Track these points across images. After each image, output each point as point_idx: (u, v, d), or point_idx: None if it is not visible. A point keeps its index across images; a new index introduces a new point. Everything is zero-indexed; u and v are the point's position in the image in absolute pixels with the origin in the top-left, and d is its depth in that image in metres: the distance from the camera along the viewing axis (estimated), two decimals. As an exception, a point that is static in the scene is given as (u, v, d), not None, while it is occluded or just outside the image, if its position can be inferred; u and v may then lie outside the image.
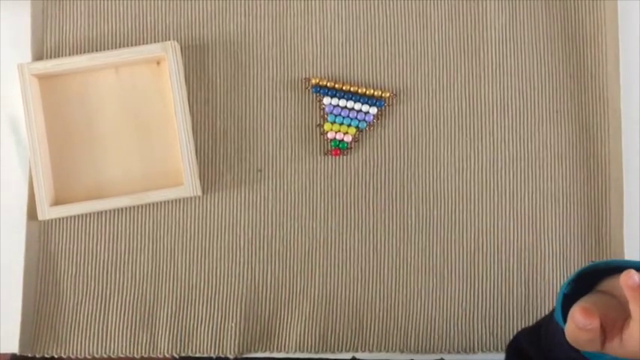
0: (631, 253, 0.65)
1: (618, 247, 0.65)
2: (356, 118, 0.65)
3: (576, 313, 0.38)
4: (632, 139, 0.66)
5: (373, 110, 0.65)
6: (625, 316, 0.39)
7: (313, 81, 0.65)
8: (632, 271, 0.36)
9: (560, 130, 0.66)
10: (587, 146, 0.66)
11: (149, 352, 0.65)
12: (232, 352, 0.64)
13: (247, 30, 0.67)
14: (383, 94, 0.65)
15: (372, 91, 0.65)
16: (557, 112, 0.66)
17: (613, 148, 0.65)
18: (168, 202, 0.65)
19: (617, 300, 0.41)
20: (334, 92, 0.65)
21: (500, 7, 0.67)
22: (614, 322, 0.39)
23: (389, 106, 0.66)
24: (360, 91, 0.65)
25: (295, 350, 0.65)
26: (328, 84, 0.65)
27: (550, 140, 0.66)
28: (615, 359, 0.40)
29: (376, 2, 0.67)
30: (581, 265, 0.65)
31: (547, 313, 0.50)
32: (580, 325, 0.38)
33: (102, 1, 0.67)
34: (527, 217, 0.65)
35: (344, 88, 0.65)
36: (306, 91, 0.66)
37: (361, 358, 0.65)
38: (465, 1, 0.67)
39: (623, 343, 0.39)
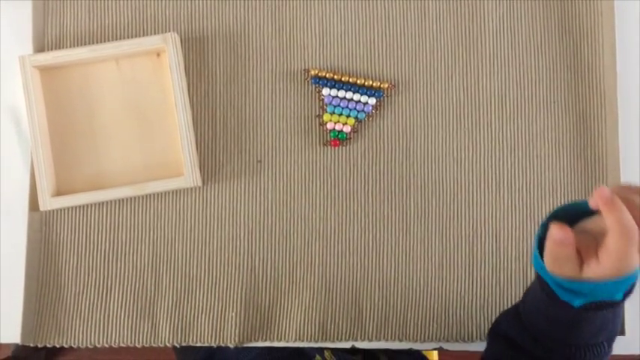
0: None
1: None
2: (355, 108, 0.65)
3: (553, 229, 0.41)
4: (629, 130, 0.67)
5: (372, 101, 0.65)
6: (598, 244, 0.41)
7: (312, 72, 0.66)
8: (604, 187, 0.40)
9: (557, 121, 0.67)
10: (584, 137, 0.66)
11: (150, 342, 0.65)
12: (233, 342, 0.65)
13: (247, 22, 0.67)
14: (382, 85, 0.66)
15: (370, 82, 0.65)
16: (554, 103, 0.67)
17: (610, 138, 0.66)
18: (168, 192, 0.66)
19: (590, 234, 0.43)
20: (333, 83, 0.66)
21: (497, 0, 0.67)
22: (588, 248, 0.42)
23: (388, 96, 0.66)
24: (359, 82, 0.65)
25: (295, 339, 0.65)
26: (327, 75, 0.65)
27: (547, 131, 0.66)
28: (591, 292, 0.42)
29: (375, -6, 0.67)
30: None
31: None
32: (557, 238, 0.41)
33: (102, -6, 0.67)
34: (525, 207, 0.66)
35: (343, 79, 0.65)
36: (305, 82, 0.66)
37: (360, 346, 0.66)
38: (462, -7, 0.67)
39: (600, 261, 0.41)
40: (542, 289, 0.46)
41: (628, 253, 0.39)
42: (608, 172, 0.66)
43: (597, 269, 0.41)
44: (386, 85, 0.66)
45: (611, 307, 0.44)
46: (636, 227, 0.39)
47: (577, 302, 0.44)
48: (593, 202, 0.41)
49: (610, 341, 0.49)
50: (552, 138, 0.66)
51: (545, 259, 0.44)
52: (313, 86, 0.66)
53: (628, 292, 0.45)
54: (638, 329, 0.65)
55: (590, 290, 0.42)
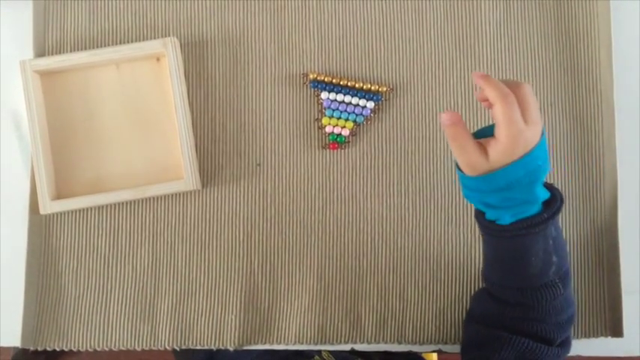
0: (626, 244, 0.66)
1: (613, 238, 0.66)
2: (353, 112, 0.66)
3: (441, 116, 0.47)
4: (626, 131, 0.67)
5: (370, 104, 0.66)
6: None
7: (311, 76, 0.66)
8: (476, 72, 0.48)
9: (554, 122, 0.67)
10: (582, 138, 0.67)
11: (150, 345, 0.65)
12: (232, 344, 0.65)
13: (246, 26, 0.68)
14: (380, 89, 0.66)
15: (369, 85, 0.66)
16: (551, 105, 0.67)
17: (607, 139, 0.66)
18: (168, 196, 0.66)
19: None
20: (332, 87, 0.66)
21: (494, 3, 0.68)
22: (488, 141, 0.47)
23: (386, 100, 0.67)
24: (357, 85, 0.66)
25: (294, 342, 0.65)
26: (326, 79, 0.66)
27: (545, 133, 0.67)
28: (507, 184, 0.47)
29: (373, -2, 0.68)
30: (579, 261, 0.66)
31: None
32: (446, 119, 0.46)
33: (102, -1, 0.68)
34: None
35: (341, 83, 0.66)
36: (304, 86, 0.67)
37: (359, 349, 0.66)
38: (460, -3, 0.68)
39: (497, 136, 0.46)
40: (479, 224, 0.53)
41: (512, 116, 0.45)
42: (606, 173, 0.66)
43: (497, 145, 0.46)
44: (384, 89, 0.66)
45: (540, 224, 0.49)
46: (510, 92, 0.45)
47: (506, 218, 0.49)
48: (476, 93, 0.47)
49: (563, 281, 0.53)
50: (550, 139, 0.67)
51: (457, 160, 0.49)
52: (312, 90, 0.67)
53: (552, 209, 0.50)
54: (637, 331, 0.65)
55: (505, 178, 0.46)
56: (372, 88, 0.66)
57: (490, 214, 0.52)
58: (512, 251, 0.52)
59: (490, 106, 0.47)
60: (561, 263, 0.53)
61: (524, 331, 0.54)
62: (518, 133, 0.45)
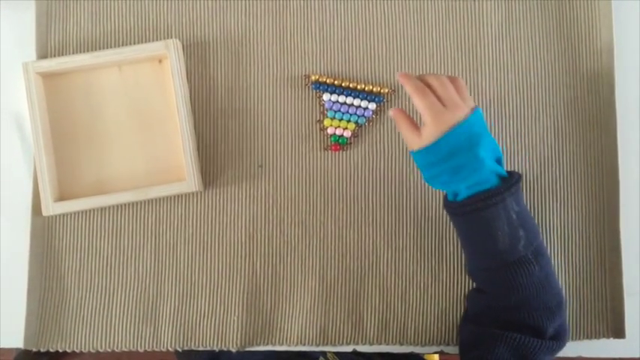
0: (628, 243, 0.66)
1: (615, 237, 0.66)
2: (355, 113, 0.66)
3: (390, 112, 0.58)
4: (628, 132, 0.67)
5: (372, 106, 0.66)
6: None
7: (313, 78, 0.66)
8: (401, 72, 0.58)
9: (556, 124, 0.67)
10: (583, 139, 0.67)
11: (152, 346, 0.66)
12: (235, 346, 0.65)
13: (248, 28, 0.68)
14: (382, 90, 0.66)
15: (370, 87, 0.66)
16: (553, 106, 0.67)
17: (608, 140, 0.66)
18: (170, 197, 0.66)
19: None
20: (334, 88, 0.66)
21: (496, 4, 0.68)
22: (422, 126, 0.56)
23: (388, 102, 0.67)
24: (359, 87, 0.66)
25: (297, 343, 0.65)
26: (328, 81, 0.66)
27: (546, 134, 0.67)
28: (450, 151, 0.54)
29: (374, 0, 0.68)
30: (581, 262, 0.66)
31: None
32: (392, 113, 0.58)
33: (105, 0, 0.68)
34: (524, 210, 0.66)
35: (343, 84, 0.66)
36: (306, 87, 0.67)
37: (361, 350, 0.66)
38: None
39: (423, 120, 0.55)
40: (446, 209, 0.59)
41: (427, 103, 0.54)
42: (607, 173, 0.66)
43: (425, 128, 0.55)
44: (386, 90, 0.66)
45: (496, 195, 0.54)
46: (424, 86, 0.55)
47: (463, 190, 0.55)
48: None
49: (537, 258, 0.55)
50: (551, 141, 0.67)
51: (405, 139, 0.58)
52: (314, 91, 0.67)
53: (507, 183, 0.55)
54: (639, 333, 0.66)
55: (445, 145, 0.54)
56: (374, 89, 0.66)
57: (450, 194, 0.57)
58: (477, 227, 0.56)
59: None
60: (531, 238, 0.55)
61: (515, 323, 0.55)
62: (437, 114, 0.54)
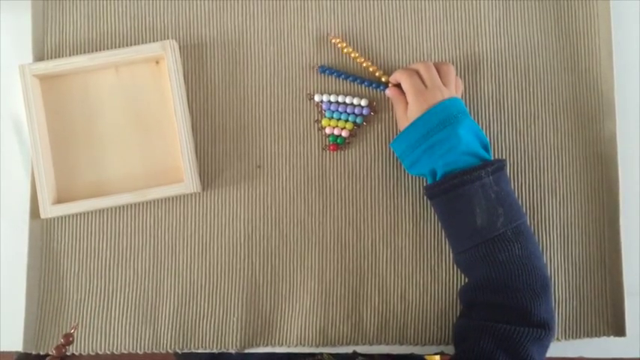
0: (629, 242, 0.66)
1: (615, 235, 0.65)
2: (353, 112, 0.66)
3: (387, 91, 0.65)
4: (627, 130, 0.67)
5: (364, 102, 0.66)
6: None
7: (334, 41, 0.66)
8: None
9: (555, 122, 0.67)
10: (583, 137, 0.67)
11: (152, 348, 0.65)
12: (234, 347, 0.65)
13: (245, 28, 0.67)
14: (384, 79, 0.66)
15: (375, 69, 0.66)
16: (552, 104, 0.67)
17: (608, 139, 0.66)
18: (168, 198, 0.66)
19: None
20: (339, 73, 0.66)
21: (493, 3, 0.67)
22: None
23: (386, 100, 0.67)
24: (365, 64, 0.66)
25: (296, 344, 0.65)
26: (345, 50, 0.66)
27: (546, 132, 0.67)
28: (429, 130, 0.59)
29: (372, -1, 0.68)
30: (581, 259, 0.65)
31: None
32: (390, 93, 0.64)
33: (101, 2, 0.68)
34: (524, 208, 0.66)
35: (352, 55, 0.66)
36: (304, 88, 0.67)
37: (361, 351, 0.66)
38: (459, -3, 0.68)
39: (407, 98, 0.61)
40: (426, 195, 0.62)
41: (412, 82, 0.60)
42: (607, 172, 0.66)
43: (409, 107, 0.60)
44: (386, 79, 0.66)
45: (472, 171, 0.57)
46: (412, 70, 0.62)
47: (440, 167, 0.58)
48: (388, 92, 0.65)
49: (518, 237, 0.57)
50: (551, 139, 0.67)
51: (398, 123, 0.63)
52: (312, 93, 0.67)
53: (486, 163, 0.58)
54: (638, 333, 0.65)
55: (422, 125, 0.59)
56: (378, 74, 0.66)
57: (430, 178, 0.60)
58: (456, 206, 0.58)
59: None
60: (510, 216, 0.57)
61: (500, 307, 0.55)
62: (418, 93, 0.60)
